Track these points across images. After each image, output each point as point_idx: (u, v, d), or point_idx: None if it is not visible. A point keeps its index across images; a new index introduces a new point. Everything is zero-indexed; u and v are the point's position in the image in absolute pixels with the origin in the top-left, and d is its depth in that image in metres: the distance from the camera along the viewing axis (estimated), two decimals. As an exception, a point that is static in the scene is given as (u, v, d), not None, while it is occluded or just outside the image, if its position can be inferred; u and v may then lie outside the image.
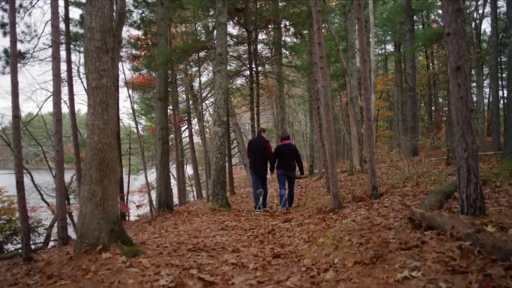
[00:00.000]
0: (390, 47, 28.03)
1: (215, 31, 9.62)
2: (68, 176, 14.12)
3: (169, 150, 10.95)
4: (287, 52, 12.86)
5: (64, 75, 13.42)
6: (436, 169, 9.18)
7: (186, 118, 21.11)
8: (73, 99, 11.14)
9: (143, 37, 15.72)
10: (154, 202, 10.35)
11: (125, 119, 37.20)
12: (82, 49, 13.87)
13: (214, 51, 9.12)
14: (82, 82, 14.46)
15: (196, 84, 19.02)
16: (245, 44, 11.83)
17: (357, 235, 3.08)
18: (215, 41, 8.39)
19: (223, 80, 7.54)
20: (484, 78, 23.11)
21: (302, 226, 4.40)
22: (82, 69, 14.00)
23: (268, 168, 7.02)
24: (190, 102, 21.05)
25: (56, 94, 7.11)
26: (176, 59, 10.58)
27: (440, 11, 22.64)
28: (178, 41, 12.27)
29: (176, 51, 9.87)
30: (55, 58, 7.09)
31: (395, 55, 21.73)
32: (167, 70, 10.74)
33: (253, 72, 10.83)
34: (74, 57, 9.81)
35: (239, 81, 19.29)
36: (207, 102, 21.94)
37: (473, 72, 21.58)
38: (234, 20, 10.95)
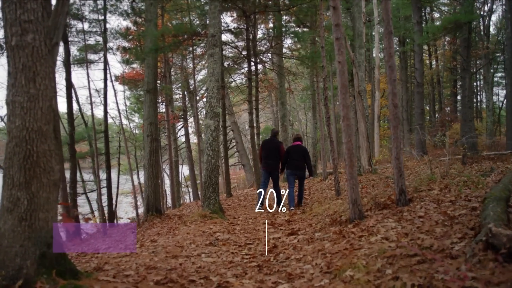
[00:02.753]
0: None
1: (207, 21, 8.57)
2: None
3: (158, 148, 9.90)
4: (289, 43, 11.81)
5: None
6: (452, 169, 8.14)
7: (182, 116, 20.11)
8: (56, 93, 10.08)
9: (134, 28, 14.69)
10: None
11: (117, 117, 36.03)
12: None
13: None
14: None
15: (192, 81, 17.95)
16: (243, 37, 10.81)
17: (404, 267, 2.03)
18: (208, 22, 7.34)
19: (216, 66, 6.49)
20: (492, 74, 22.11)
21: (314, 243, 3.35)
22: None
23: (280, 169, 7.17)
24: (186, 99, 20.04)
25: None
26: (167, 47, 9.51)
27: (444, 8, 21.61)
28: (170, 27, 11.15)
29: (165, 35, 8.81)
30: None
31: (399, 51, 20.72)
32: (157, 59, 9.71)
33: (251, 61, 9.77)
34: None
35: (238, 80, 18.34)
36: (204, 100, 20.92)
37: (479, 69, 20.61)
38: (231, 5, 9.91)
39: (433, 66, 23.80)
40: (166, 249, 3.78)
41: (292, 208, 6.65)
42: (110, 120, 13.73)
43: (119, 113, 9.00)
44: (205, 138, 6.44)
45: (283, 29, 9.85)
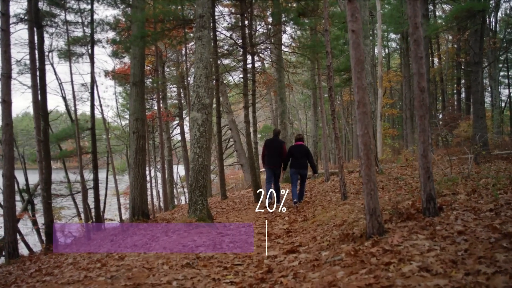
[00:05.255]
0: (394, 44, 26.20)
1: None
2: (35, 177, 12.28)
3: (145, 146, 9.05)
4: (288, 33, 10.94)
5: (27, 58, 11.50)
6: (466, 169, 7.32)
7: (178, 113, 19.27)
8: (37, 87, 9.26)
9: (124, 19, 13.83)
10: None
11: (111, 116, 35.19)
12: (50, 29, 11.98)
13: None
14: (52, 67, 12.57)
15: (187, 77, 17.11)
16: (239, 26, 9.92)
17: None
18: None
19: (205, 50, 5.63)
20: (498, 72, 21.27)
21: (321, 270, 2.49)
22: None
23: (282, 167, 7.43)
24: (182, 96, 19.20)
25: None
26: (154, 34, 8.67)
27: (446, 7, 20.73)
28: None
29: (154, 22, 7.96)
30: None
31: (403, 48, 19.87)
32: (143, 48, 8.86)
33: (247, 52, 8.91)
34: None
35: (236, 77, 17.52)
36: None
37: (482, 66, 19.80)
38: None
39: (435, 65, 22.96)
40: (129, 273, 2.93)
41: (295, 200, 6.94)
42: (103, 119, 12.90)
43: (101, 108, 8.16)
44: (192, 133, 5.59)
45: (283, 15, 8.96)
